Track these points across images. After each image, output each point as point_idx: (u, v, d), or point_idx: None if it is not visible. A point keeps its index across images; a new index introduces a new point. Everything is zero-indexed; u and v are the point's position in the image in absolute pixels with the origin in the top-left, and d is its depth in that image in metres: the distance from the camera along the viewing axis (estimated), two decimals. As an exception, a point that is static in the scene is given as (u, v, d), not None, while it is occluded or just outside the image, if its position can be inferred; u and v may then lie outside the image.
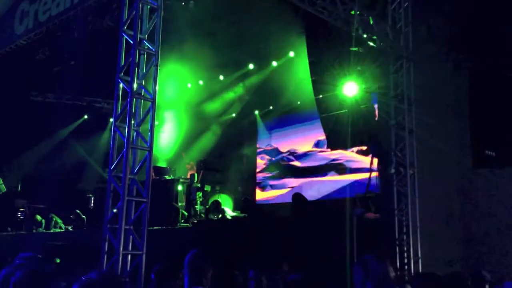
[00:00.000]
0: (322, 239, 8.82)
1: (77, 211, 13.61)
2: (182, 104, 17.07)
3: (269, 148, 17.11)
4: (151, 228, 6.97)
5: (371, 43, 8.62)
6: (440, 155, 8.68)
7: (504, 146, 8.86)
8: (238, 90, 16.36)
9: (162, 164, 15.38)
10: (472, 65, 9.24)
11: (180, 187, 12.59)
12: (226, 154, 16.72)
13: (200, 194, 13.05)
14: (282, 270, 5.77)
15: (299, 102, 15.90)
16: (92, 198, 14.14)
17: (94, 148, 17.03)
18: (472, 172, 8.60)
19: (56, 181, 15.33)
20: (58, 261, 8.22)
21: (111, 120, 16.92)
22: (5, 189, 15.76)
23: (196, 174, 13.63)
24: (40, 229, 14.03)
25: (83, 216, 13.44)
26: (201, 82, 16.42)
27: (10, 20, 12.53)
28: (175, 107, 17.13)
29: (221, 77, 16.04)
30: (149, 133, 5.81)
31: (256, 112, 17.52)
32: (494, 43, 8.90)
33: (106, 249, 5.52)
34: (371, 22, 8.50)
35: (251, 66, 15.19)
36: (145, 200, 5.65)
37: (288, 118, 16.56)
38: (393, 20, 8.91)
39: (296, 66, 13.83)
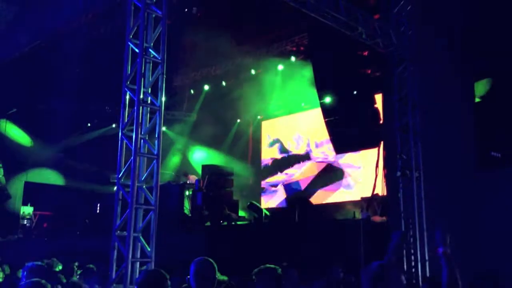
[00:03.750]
0: (328, 243, 8.84)
1: None
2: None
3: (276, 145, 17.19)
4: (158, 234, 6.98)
5: (375, 47, 8.64)
6: (446, 157, 8.67)
7: (510, 147, 8.83)
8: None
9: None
10: (476, 66, 9.23)
11: (186, 193, 12.63)
12: (231, 159, 16.79)
13: (205, 199, 13.06)
14: (292, 277, 5.76)
15: (302, 104, 16.03)
16: (98, 204, 14.18)
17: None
18: (478, 173, 8.58)
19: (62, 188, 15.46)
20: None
21: (113, 126, 17.35)
22: (5, 182, 15.76)
23: (201, 180, 13.65)
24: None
25: None
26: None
27: (16, 28, 12.64)
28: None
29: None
30: (156, 141, 5.85)
31: (259, 117, 17.65)
32: (498, 43, 8.89)
33: (115, 256, 5.55)
34: (375, 26, 8.52)
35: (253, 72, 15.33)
36: (153, 207, 5.68)
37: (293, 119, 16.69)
38: (397, 23, 8.93)
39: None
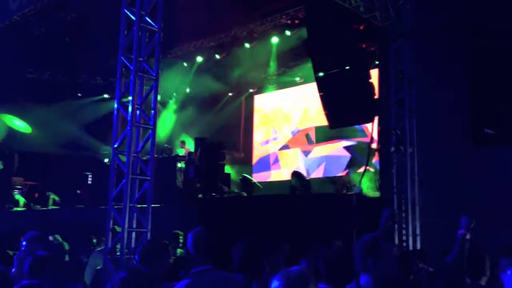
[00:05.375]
0: (321, 217, 8.89)
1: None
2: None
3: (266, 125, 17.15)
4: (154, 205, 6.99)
5: (372, 20, 8.56)
6: (440, 133, 8.71)
7: (504, 124, 8.88)
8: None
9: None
10: (472, 42, 9.20)
11: (178, 165, 12.61)
12: (223, 131, 16.74)
13: (197, 172, 13.04)
14: (283, 250, 5.80)
15: (297, 79, 15.96)
16: (90, 175, 14.09)
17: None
18: (472, 150, 8.64)
19: (54, 159, 15.36)
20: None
21: (105, 96, 17.16)
22: (2, 167, 15.72)
23: (193, 152, 13.63)
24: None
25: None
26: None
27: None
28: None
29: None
30: (152, 111, 5.79)
31: (251, 90, 17.57)
32: (495, 20, 8.85)
33: (111, 226, 5.55)
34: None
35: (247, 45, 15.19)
36: (148, 178, 5.66)
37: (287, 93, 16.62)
38: (395, -4, 8.85)
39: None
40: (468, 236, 3.87)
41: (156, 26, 5.89)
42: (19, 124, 16.42)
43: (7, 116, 16.19)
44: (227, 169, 15.15)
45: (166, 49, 15.52)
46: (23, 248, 4.06)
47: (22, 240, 4.16)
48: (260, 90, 17.44)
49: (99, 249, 6.03)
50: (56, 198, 13.79)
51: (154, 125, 5.78)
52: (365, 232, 3.24)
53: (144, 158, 6.06)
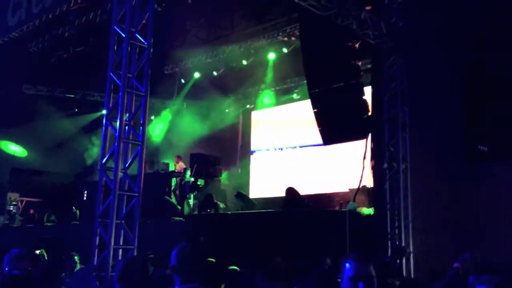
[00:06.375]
0: (314, 234, 8.83)
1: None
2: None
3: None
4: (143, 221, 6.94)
5: (365, 38, 8.60)
6: (433, 150, 8.69)
7: (497, 141, 8.88)
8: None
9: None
10: (467, 58, 9.24)
11: (173, 181, 12.57)
12: (220, 147, 16.73)
13: (193, 188, 13.02)
14: (278, 265, 5.74)
15: (294, 96, 16.00)
16: (85, 192, 14.07)
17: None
18: (465, 167, 8.62)
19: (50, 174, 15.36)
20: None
21: (103, 112, 17.11)
22: None
23: (188, 168, 13.61)
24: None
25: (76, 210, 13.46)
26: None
27: (3, 11, 12.43)
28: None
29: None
30: (141, 127, 5.78)
31: (248, 105, 17.59)
32: (489, 36, 8.89)
33: (97, 243, 5.50)
34: (366, 16, 8.46)
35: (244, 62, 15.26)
36: (136, 194, 5.63)
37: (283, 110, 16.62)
38: (388, 14, 8.88)
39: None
40: (460, 271, 4.55)
41: (146, 43, 5.91)
42: (15, 149, 16.43)
43: (3, 142, 16.25)
44: (224, 182, 15.17)
45: (163, 65, 15.63)
46: (6, 267, 3.98)
47: (5, 257, 4.09)
48: (257, 106, 17.46)
49: (80, 267, 5.94)
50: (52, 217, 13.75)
51: (143, 141, 5.77)
52: (358, 249, 3.24)
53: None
